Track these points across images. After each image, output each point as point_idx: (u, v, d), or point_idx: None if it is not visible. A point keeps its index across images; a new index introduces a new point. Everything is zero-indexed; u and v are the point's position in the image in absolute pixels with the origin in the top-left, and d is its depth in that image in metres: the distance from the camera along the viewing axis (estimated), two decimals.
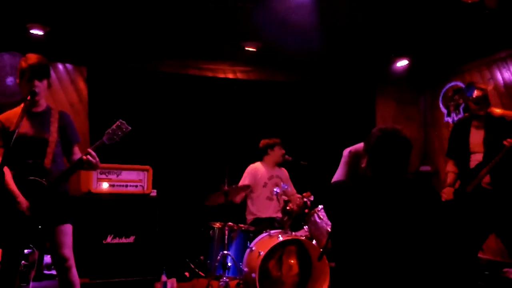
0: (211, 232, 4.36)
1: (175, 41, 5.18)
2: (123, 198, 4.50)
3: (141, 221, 4.50)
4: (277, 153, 4.84)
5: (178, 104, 5.62)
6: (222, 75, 5.95)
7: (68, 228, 2.85)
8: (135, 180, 4.63)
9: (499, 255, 5.01)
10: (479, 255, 4.34)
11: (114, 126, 2.81)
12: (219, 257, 4.02)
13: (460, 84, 5.84)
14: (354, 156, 2.25)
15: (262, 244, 3.90)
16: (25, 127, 2.78)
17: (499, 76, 5.35)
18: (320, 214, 4.07)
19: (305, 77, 6.19)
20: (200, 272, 4.49)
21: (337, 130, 6.04)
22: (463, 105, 5.77)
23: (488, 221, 3.69)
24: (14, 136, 2.55)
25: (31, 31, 4.64)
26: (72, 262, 2.83)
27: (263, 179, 4.76)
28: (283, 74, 6.14)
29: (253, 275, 3.70)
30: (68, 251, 2.82)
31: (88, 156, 2.71)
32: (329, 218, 2.26)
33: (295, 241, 3.95)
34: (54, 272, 4.13)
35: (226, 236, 4.06)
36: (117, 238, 4.39)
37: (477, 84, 4.00)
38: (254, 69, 6.05)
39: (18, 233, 2.71)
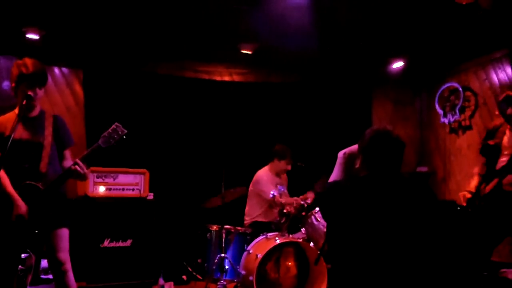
0: (208, 235, 4.36)
1: (171, 44, 5.18)
2: (120, 201, 4.49)
3: (138, 225, 4.50)
4: (282, 166, 4.77)
5: (174, 106, 5.61)
6: (218, 78, 5.95)
7: (64, 232, 2.84)
8: (131, 183, 4.62)
9: (496, 255, 5.02)
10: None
11: (110, 129, 2.79)
12: (216, 260, 4.02)
13: (456, 84, 5.85)
14: (349, 157, 2.26)
15: (259, 246, 3.90)
16: (20, 132, 2.77)
17: (494, 77, 5.37)
18: (317, 216, 4.07)
19: (301, 78, 6.19)
20: (197, 275, 4.50)
21: (333, 131, 6.04)
22: (459, 105, 5.78)
23: (506, 224, 3.67)
24: (9, 141, 2.55)
25: (27, 35, 4.63)
26: (68, 266, 2.82)
27: (270, 186, 4.69)
28: (280, 76, 6.14)
29: (251, 277, 3.70)
30: (64, 255, 2.80)
31: (76, 166, 2.69)
32: (325, 218, 2.27)
33: (293, 243, 3.95)
34: (51, 276, 4.11)
35: (223, 239, 4.06)
36: (114, 241, 4.38)
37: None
38: (251, 71, 6.05)
39: (15, 237, 2.70)
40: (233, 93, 5.88)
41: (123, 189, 4.57)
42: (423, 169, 6.34)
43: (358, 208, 1.97)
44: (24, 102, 2.74)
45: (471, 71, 5.69)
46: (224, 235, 4.08)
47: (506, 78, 5.21)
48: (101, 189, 4.49)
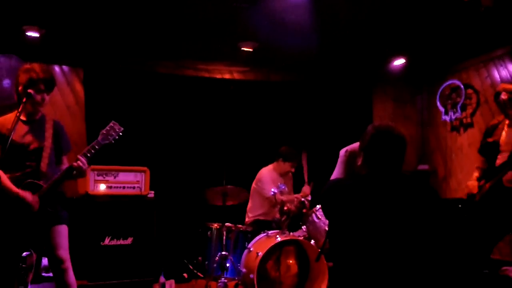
0: (209, 233, 4.36)
1: (171, 42, 5.17)
2: (121, 199, 4.49)
3: (138, 223, 4.50)
4: (286, 167, 4.77)
5: (175, 105, 5.61)
6: (219, 76, 5.95)
7: (63, 229, 2.86)
8: (132, 181, 4.62)
9: (497, 253, 5.01)
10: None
11: (107, 127, 2.87)
12: (217, 258, 4.02)
13: (457, 82, 5.84)
14: (350, 155, 2.25)
15: (260, 244, 3.90)
16: (22, 136, 2.82)
17: (496, 74, 5.35)
18: (318, 214, 4.07)
19: (302, 77, 6.19)
20: (198, 273, 4.49)
21: (334, 130, 6.04)
22: (460, 103, 5.77)
23: (506, 221, 3.66)
24: (9, 142, 2.58)
25: (27, 33, 4.63)
26: (68, 264, 2.82)
27: (272, 185, 4.69)
28: (280, 74, 6.14)
29: (251, 275, 3.70)
30: (64, 253, 2.81)
31: (79, 162, 2.75)
32: (326, 216, 2.26)
33: (293, 242, 3.95)
34: (52, 274, 4.12)
35: (224, 237, 4.06)
36: (115, 239, 4.38)
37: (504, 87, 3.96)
38: (251, 69, 6.04)
39: (16, 235, 2.71)
40: (234, 91, 5.87)
41: (123, 187, 4.58)
42: (424, 167, 6.33)
43: (360, 206, 1.96)
44: (24, 99, 2.76)
45: (473, 69, 5.67)
46: (225, 233, 4.08)
47: (508, 75, 5.20)
48: (102, 187, 4.49)
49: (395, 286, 1.89)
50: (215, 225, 4.30)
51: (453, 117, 5.89)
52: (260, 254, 3.72)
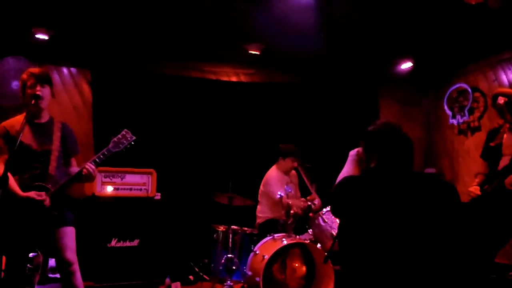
0: (215, 235, 4.36)
1: (178, 44, 5.19)
2: (127, 201, 4.50)
3: (145, 224, 4.51)
4: (288, 164, 4.77)
5: (181, 106, 5.62)
6: (225, 78, 5.95)
7: (70, 231, 2.87)
8: (139, 183, 4.63)
9: (504, 257, 4.97)
10: None
11: (119, 135, 2.91)
12: (223, 260, 4.02)
13: (465, 85, 5.81)
14: (361, 156, 2.25)
15: (266, 247, 3.90)
16: (30, 138, 2.85)
17: (503, 77, 5.32)
18: (325, 217, 4.05)
19: (308, 78, 6.18)
20: (204, 276, 4.50)
21: (340, 132, 6.02)
22: (468, 107, 5.74)
23: (508, 224, 3.64)
24: (17, 144, 2.60)
25: (36, 35, 4.66)
26: (76, 266, 2.84)
27: (279, 186, 4.69)
28: (286, 76, 6.14)
29: (257, 278, 3.69)
30: (72, 255, 2.83)
31: (89, 169, 2.80)
32: (338, 213, 2.24)
33: (299, 245, 3.94)
34: (58, 275, 4.14)
35: (230, 240, 4.06)
36: (122, 241, 4.39)
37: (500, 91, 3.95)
38: (257, 72, 6.04)
39: (23, 237, 2.72)
40: (240, 93, 5.88)
41: (130, 189, 4.59)
42: (431, 170, 6.29)
43: (374, 203, 1.95)
44: (33, 101, 2.79)
45: (480, 72, 5.64)
46: (231, 235, 4.08)
47: None
48: (109, 189, 4.51)
49: (410, 285, 1.87)
50: (221, 227, 4.30)
51: (461, 121, 5.86)
52: (266, 257, 3.72)
